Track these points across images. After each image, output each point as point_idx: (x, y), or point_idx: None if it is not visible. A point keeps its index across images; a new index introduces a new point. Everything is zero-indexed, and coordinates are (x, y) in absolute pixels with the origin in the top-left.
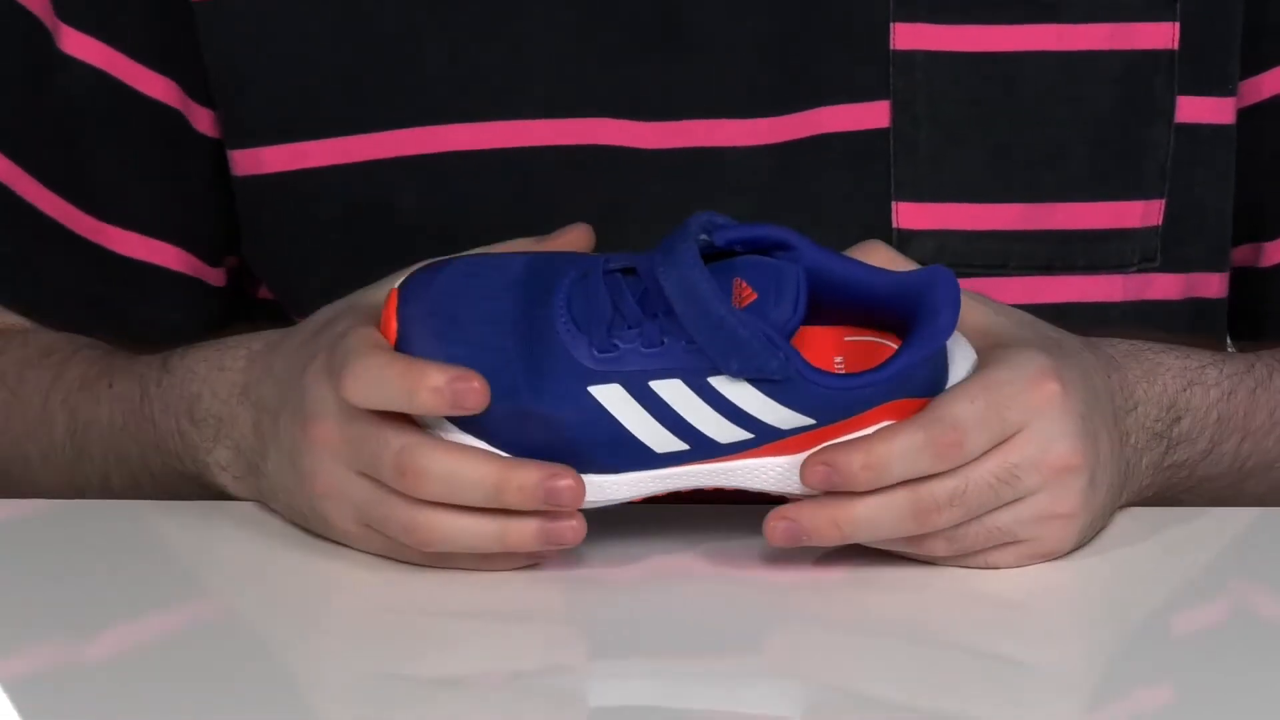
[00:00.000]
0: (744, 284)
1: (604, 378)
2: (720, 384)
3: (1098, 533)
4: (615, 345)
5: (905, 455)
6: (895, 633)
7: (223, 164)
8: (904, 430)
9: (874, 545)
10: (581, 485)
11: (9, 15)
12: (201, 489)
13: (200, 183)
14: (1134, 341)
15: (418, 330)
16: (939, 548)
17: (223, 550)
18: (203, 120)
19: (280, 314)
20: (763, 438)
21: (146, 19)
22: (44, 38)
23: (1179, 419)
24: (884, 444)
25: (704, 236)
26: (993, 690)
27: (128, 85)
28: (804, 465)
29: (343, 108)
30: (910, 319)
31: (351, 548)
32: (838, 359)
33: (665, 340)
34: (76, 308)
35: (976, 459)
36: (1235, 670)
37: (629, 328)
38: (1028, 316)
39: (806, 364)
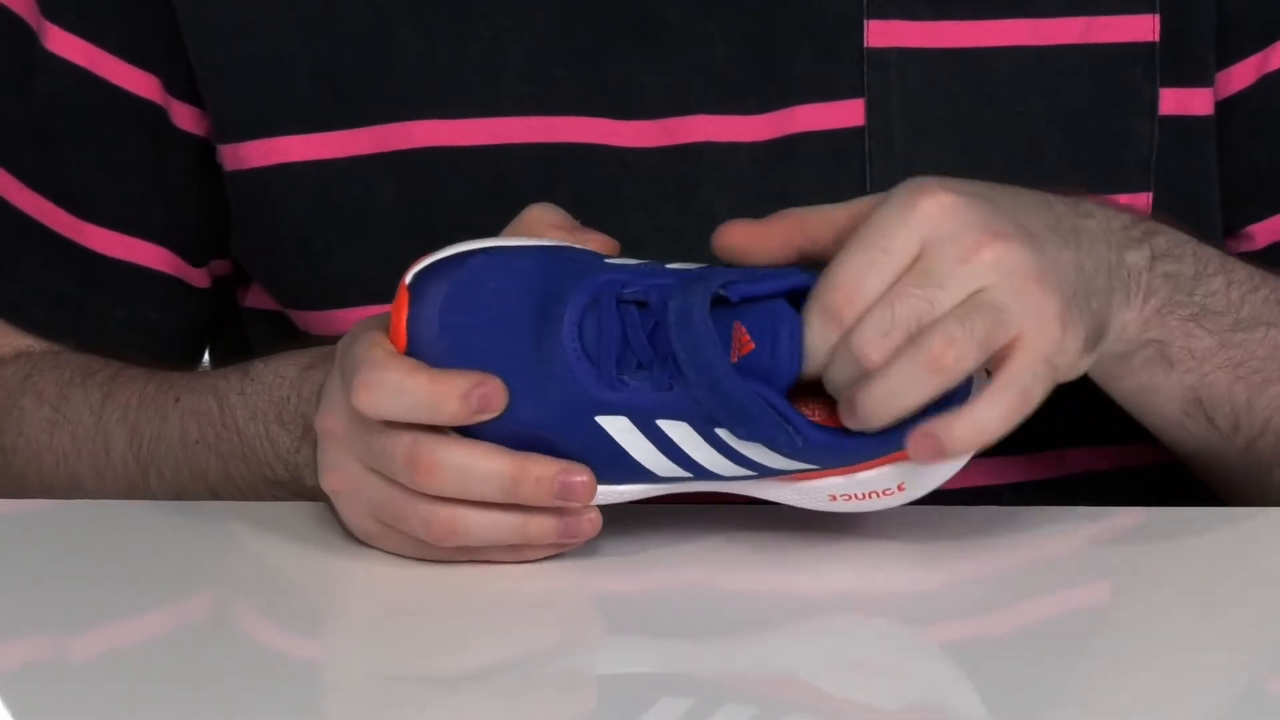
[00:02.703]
0: (743, 330)
1: (611, 409)
2: (727, 435)
3: (1102, 317)
4: (625, 383)
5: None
6: (897, 621)
7: (205, 161)
8: (805, 315)
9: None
10: (594, 482)
11: None
12: (293, 495)
13: (181, 180)
14: None
15: (429, 343)
16: (960, 349)
17: (229, 550)
18: (184, 117)
19: (267, 322)
20: (765, 474)
21: (129, 14)
22: (29, 38)
23: (1155, 233)
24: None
25: (719, 290)
26: (992, 689)
27: (110, 83)
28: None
29: (319, 103)
30: None
31: (371, 547)
32: None
33: (674, 387)
34: (55, 308)
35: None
36: (1236, 670)
37: (639, 366)
38: None
39: (815, 429)
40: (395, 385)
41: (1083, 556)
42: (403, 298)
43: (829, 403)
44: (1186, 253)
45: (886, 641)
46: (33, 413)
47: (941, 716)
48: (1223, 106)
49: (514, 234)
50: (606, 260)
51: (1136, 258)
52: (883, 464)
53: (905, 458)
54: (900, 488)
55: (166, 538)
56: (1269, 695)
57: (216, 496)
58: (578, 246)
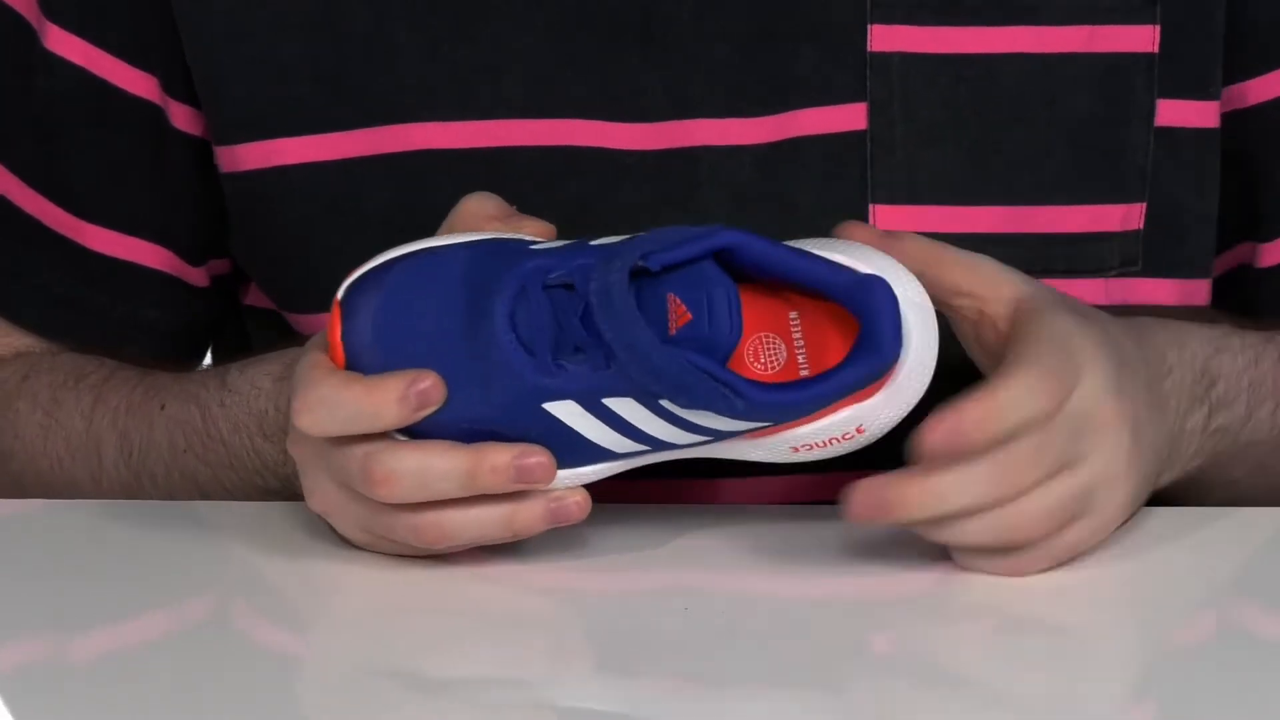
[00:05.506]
0: (678, 302)
1: (557, 394)
2: (672, 405)
3: (1143, 502)
4: (564, 367)
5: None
6: (897, 641)
7: (204, 162)
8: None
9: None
10: (551, 461)
11: None
12: (289, 498)
13: (179, 180)
14: (1155, 316)
15: (366, 354)
16: (1041, 526)
17: (224, 551)
18: (181, 117)
19: (268, 321)
20: (721, 438)
21: (129, 15)
22: (29, 36)
23: (1214, 383)
24: (941, 476)
25: (639, 262)
26: (1001, 697)
27: (109, 83)
28: (852, 499)
29: (317, 105)
30: (857, 313)
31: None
32: (793, 314)
33: (612, 365)
34: (54, 307)
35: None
36: (1235, 674)
37: (575, 350)
38: (1054, 289)
39: (756, 388)
40: (332, 401)
41: (1081, 560)
42: (335, 313)
43: (777, 358)
44: (1242, 388)
45: (888, 680)
46: (28, 416)
47: None
48: (1237, 118)
49: (451, 228)
50: (532, 247)
51: (1196, 420)
52: (837, 409)
53: (860, 400)
54: (859, 430)
55: (163, 539)
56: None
57: (209, 500)
58: (508, 236)
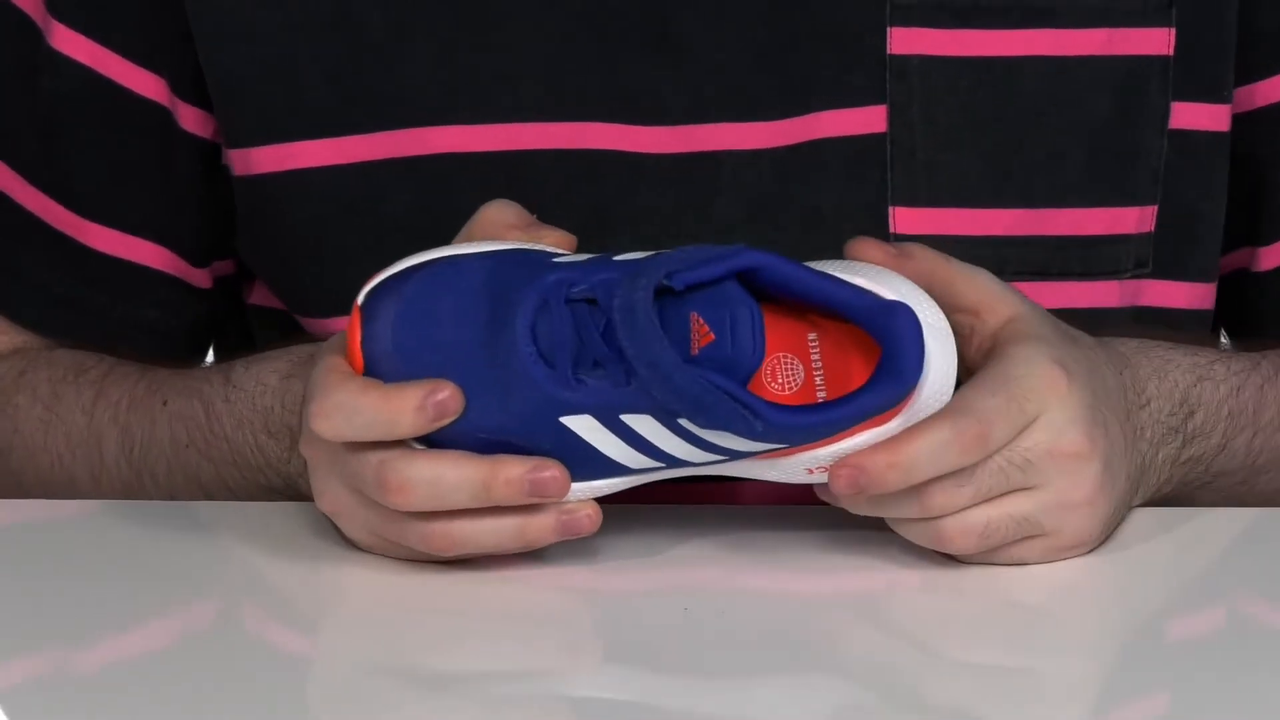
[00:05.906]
0: (701, 321)
1: (574, 408)
2: (690, 424)
3: (1117, 525)
4: (583, 381)
5: (933, 452)
6: (904, 639)
7: (210, 163)
8: (930, 427)
9: (913, 540)
10: (566, 475)
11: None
12: (290, 498)
13: (185, 181)
14: (1143, 339)
15: (385, 361)
16: (970, 543)
17: (230, 552)
18: (189, 119)
19: (272, 320)
20: (736, 458)
21: (137, 16)
22: (34, 35)
23: (1192, 414)
24: (911, 443)
25: (663, 280)
26: (1001, 696)
27: (116, 83)
28: (831, 471)
29: (333, 108)
30: (880, 338)
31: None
32: (812, 336)
33: (632, 382)
34: (53, 305)
35: None
36: (1238, 675)
37: (595, 365)
38: (1047, 312)
39: (776, 410)
40: (349, 407)
41: (1089, 560)
42: (355, 318)
43: (794, 379)
44: (1221, 418)
45: (896, 676)
46: (27, 410)
47: None
48: (1246, 119)
49: (470, 235)
50: (555, 259)
51: (1168, 451)
52: (855, 433)
53: (877, 424)
54: None
55: (168, 540)
56: None
57: (211, 499)
58: (530, 247)
